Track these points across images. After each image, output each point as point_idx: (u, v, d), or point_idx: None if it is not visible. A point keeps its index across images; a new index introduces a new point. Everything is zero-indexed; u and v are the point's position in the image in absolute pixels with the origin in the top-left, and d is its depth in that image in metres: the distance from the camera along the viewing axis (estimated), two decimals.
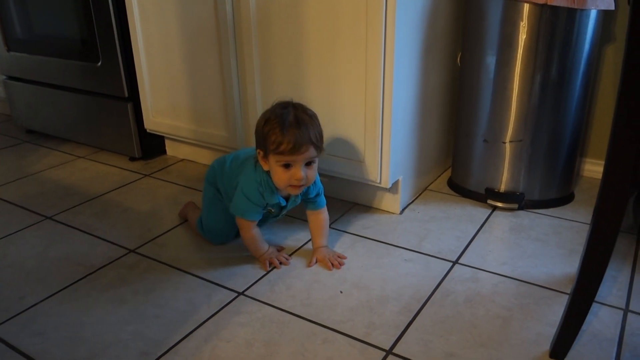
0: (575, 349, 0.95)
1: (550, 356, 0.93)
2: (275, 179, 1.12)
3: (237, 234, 1.28)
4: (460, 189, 1.56)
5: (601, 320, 1.02)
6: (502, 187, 1.48)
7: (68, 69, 1.86)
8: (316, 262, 1.23)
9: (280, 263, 1.21)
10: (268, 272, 1.20)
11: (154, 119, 1.77)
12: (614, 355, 0.94)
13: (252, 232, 1.20)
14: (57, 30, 1.84)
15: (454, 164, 1.59)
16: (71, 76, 1.87)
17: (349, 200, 1.53)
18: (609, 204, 0.80)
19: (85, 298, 1.13)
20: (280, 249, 1.28)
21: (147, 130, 1.81)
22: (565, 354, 0.93)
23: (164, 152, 1.93)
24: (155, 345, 0.98)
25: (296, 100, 1.44)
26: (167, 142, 1.92)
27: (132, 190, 1.65)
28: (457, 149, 1.56)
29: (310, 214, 1.26)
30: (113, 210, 1.52)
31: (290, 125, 1.07)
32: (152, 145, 1.89)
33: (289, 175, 1.09)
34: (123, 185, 1.68)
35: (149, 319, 1.06)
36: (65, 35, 1.83)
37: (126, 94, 1.76)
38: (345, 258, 1.25)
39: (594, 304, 1.06)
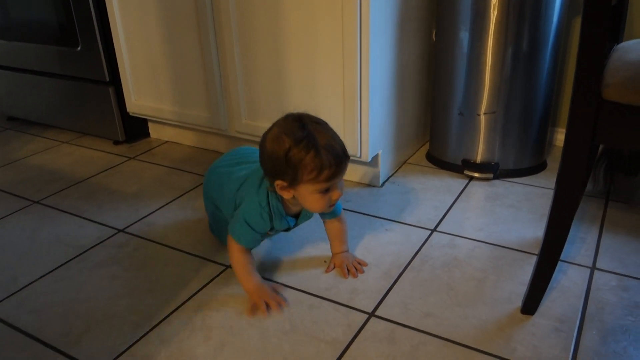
0: (545, 305, 1.01)
1: (522, 312, 1.00)
2: (307, 205, 0.99)
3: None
4: (438, 161, 1.61)
5: (570, 278, 1.09)
6: (478, 158, 1.53)
7: (47, 55, 1.86)
8: (334, 268, 1.15)
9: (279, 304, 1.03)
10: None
11: (136, 102, 1.79)
12: (580, 308, 1.00)
13: (241, 255, 1.05)
14: (35, 15, 1.84)
15: (431, 137, 1.64)
16: (51, 62, 1.87)
17: None
18: (570, 168, 0.86)
19: (77, 276, 1.16)
20: (275, 288, 1.08)
21: (130, 114, 1.83)
22: (535, 309, 0.99)
23: (148, 134, 1.95)
24: (149, 317, 1.03)
25: (275, 78, 1.48)
26: (150, 125, 1.94)
27: (118, 173, 1.68)
28: (434, 122, 1.61)
29: (328, 222, 1.15)
30: (100, 192, 1.54)
31: (323, 147, 0.91)
32: (136, 129, 1.91)
33: (327, 199, 0.97)
34: (109, 169, 1.71)
35: (141, 293, 1.10)
36: (43, 21, 1.82)
37: (107, 78, 1.77)
38: (365, 265, 1.15)
39: (563, 264, 1.13)
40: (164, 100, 1.72)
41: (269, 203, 1.02)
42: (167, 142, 1.90)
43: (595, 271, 1.11)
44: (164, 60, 1.66)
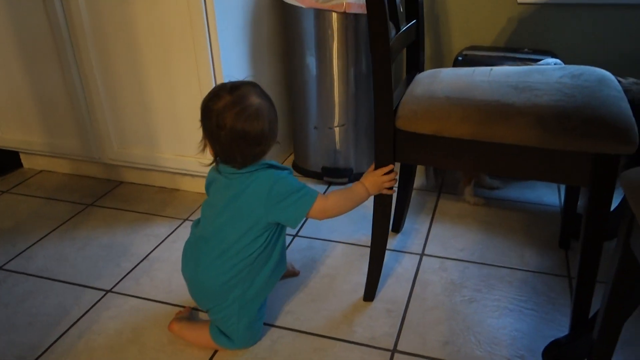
0: (383, 290, 1.23)
1: (364, 299, 1.21)
2: None
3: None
4: (302, 169, 1.80)
5: (403, 265, 1.32)
6: (336, 165, 1.74)
7: None
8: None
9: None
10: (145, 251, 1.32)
11: (4, 136, 1.79)
12: (409, 290, 1.23)
13: (325, 199, 1.05)
14: None
15: (295, 149, 1.83)
16: None
17: None
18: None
19: None
20: None
21: None
22: (373, 295, 1.21)
23: (21, 165, 1.95)
24: (31, 349, 1.10)
25: (140, 107, 1.58)
26: (22, 156, 1.93)
27: None
28: (295, 136, 1.79)
29: None
30: None
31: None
32: (7, 160, 1.90)
33: None
34: None
35: (22, 327, 1.17)
36: None
37: None
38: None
39: (399, 254, 1.36)
40: (33, 132, 1.74)
41: (276, 168, 1.07)
42: (41, 171, 1.91)
43: (424, 257, 1.35)
44: (28, 93, 1.68)
